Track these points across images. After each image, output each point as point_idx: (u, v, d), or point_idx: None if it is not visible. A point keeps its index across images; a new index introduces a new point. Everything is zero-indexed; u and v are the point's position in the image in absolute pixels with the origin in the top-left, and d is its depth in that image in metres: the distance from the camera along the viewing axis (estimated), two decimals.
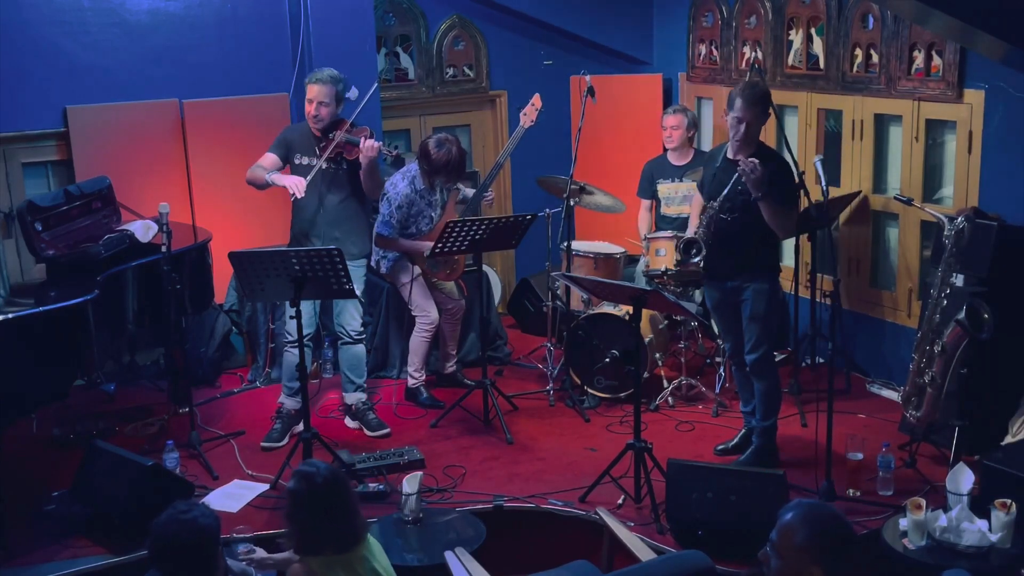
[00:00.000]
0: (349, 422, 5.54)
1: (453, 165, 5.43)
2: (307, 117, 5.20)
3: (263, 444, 5.26)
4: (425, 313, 5.66)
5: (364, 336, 5.48)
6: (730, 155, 4.65)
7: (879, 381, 5.84)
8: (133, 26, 6.03)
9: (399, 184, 5.53)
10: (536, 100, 5.78)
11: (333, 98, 5.13)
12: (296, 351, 5.30)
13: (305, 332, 5.27)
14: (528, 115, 5.76)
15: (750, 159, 4.46)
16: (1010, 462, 4.13)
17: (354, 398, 5.48)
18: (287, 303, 5.26)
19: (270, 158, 5.25)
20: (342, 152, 5.17)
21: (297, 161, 5.24)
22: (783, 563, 2.54)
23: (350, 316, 5.36)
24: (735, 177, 4.56)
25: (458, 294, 5.89)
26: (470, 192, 5.87)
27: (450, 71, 7.13)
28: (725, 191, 4.61)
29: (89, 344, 4.51)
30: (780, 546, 2.55)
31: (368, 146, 5.03)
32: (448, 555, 3.86)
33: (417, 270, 5.63)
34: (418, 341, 5.72)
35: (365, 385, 5.52)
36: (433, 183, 5.56)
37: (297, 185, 5.04)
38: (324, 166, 5.16)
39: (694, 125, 6.34)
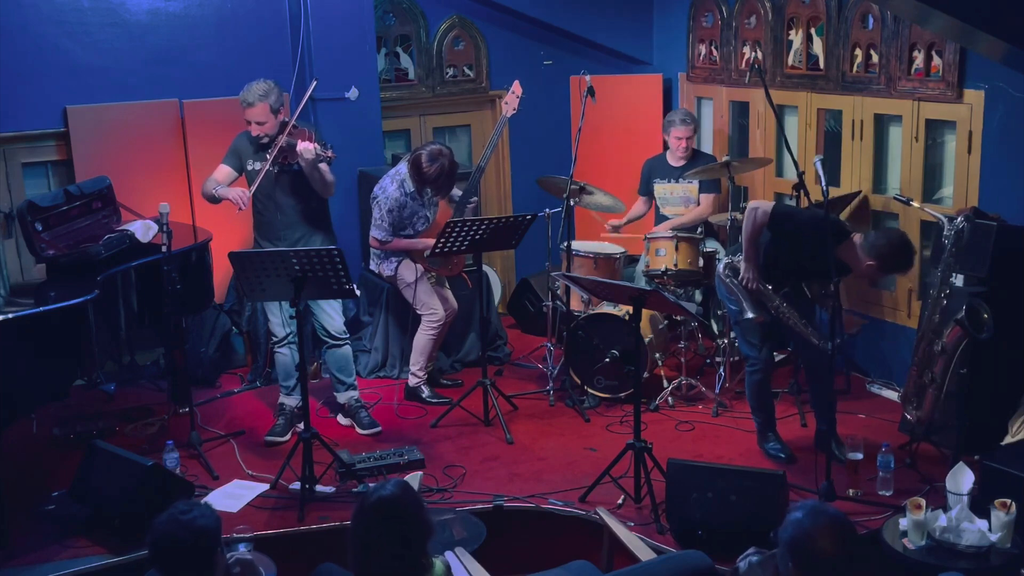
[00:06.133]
0: (341, 419, 5.55)
1: (444, 180, 5.39)
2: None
3: (266, 438, 5.30)
4: (432, 311, 5.65)
5: (348, 336, 5.44)
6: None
7: (879, 381, 5.84)
8: (133, 26, 6.02)
9: (388, 188, 5.50)
10: (516, 87, 5.69)
11: (268, 114, 5.07)
12: (284, 351, 5.35)
13: (283, 333, 5.29)
14: (509, 103, 5.68)
15: None
16: (1010, 462, 4.13)
17: (346, 397, 5.49)
18: (267, 304, 5.28)
19: (223, 170, 5.23)
20: (286, 155, 5.13)
21: (250, 167, 5.21)
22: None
23: (328, 317, 5.33)
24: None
25: (453, 296, 5.88)
26: (457, 193, 5.80)
27: (450, 71, 7.13)
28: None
29: (89, 344, 4.52)
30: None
31: (303, 148, 4.96)
32: (448, 555, 3.85)
33: (420, 269, 5.62)
34: (424, 339, 5.70)
35: (356, 383, 5.52)
36: (422, 192, 5.54)
37: (241, 197, 5.04)
38: (272, 168, 5.11)
39: (695, 130, 6.35)
